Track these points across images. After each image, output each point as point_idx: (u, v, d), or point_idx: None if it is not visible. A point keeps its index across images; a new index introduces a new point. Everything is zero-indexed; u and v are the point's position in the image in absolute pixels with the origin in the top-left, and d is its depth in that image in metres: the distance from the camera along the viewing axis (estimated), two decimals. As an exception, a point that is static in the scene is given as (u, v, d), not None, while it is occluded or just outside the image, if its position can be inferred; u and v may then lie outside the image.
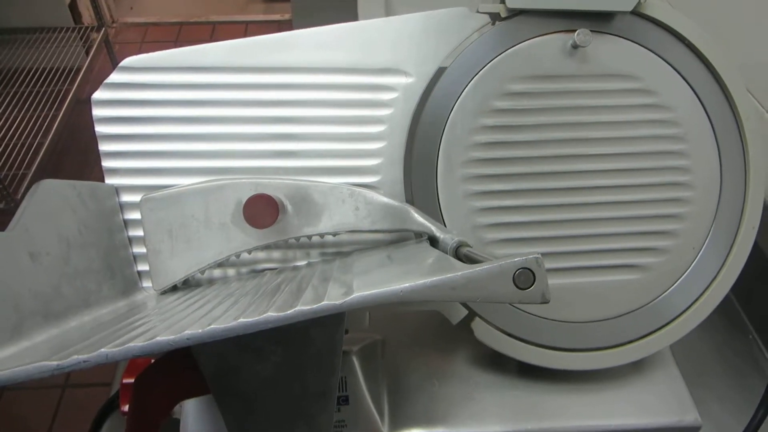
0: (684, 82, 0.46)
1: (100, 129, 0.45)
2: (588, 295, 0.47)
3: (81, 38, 2.38)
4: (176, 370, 0.42)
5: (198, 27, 2.80)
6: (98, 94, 0.45)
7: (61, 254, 0.38)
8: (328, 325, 0.36)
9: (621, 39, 0.46)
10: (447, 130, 0.45)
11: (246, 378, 0.37)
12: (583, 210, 0.47)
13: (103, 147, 0.45)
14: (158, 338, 0.26)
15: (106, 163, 0.45)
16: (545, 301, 0.26)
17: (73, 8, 2.51)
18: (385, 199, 0.43)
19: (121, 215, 0.45)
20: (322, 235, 0.43)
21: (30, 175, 1.78)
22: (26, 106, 2.02)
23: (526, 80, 0.46)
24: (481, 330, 0.47)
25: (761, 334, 0.65)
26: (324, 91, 0.45)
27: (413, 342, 0.52)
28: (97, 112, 0.45)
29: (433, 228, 0.41)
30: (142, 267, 0.45)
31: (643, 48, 0.46)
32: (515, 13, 0.45)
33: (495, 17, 0.46)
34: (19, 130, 1.91)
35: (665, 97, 0.46)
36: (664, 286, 0.48)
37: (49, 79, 2.14)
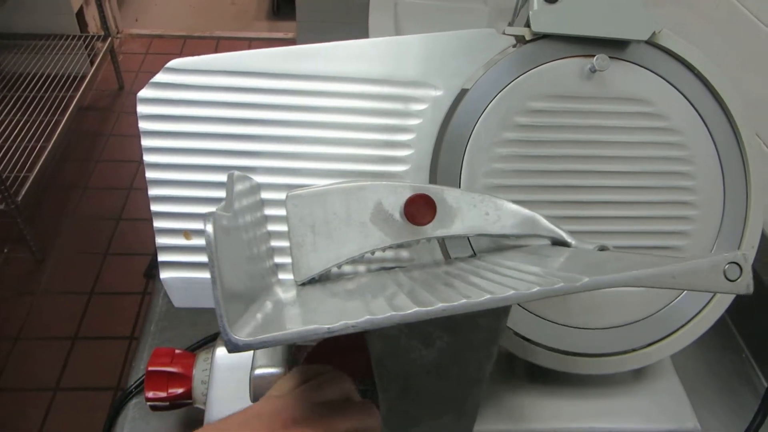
0: (692, 108, 0.50)
1: (143, 125, 0.47)
2: (597, 303, 0.50)
3: (86, 47, 2.41)
4: (342, 350, 0.45)
5: (202, 42, 2.84)
6: (144, 93, 0.47)
7: (246, 239, 0.41)
8: (496, 314, 0.39)
9: (636, 66, 0.49)
10: (471, 142, 0.48)
11: (410, 361, 0.39)
12: (594, 223, 0.50)
13: (146, 142, 0.48)
14: (418, 309, 0.29)
15: (148, 158, 0.48)
16: (749, 292, 0.30)
17: (80, 17, 2.54)
18: (514, 206, 0.45)
19: (263, 210, 0.47)
20: (452, 238, 0.46)
21: (31, 177, 1.79)
22: (30, 110, 2.04)
23: (546, 99, 0.49)
24: (495, 332, 0.49)
25: (754, 353, 0.68)
26: (358, 99, 0.48)
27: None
28: (141, 109, 0.47)
29: (563, 234, 0.44)
30: (279, 260, 0.47)
31: (655, 75, 0.50)
32: (539, 36, 0.49)
33: (520, 39, 0.49)
34: (22, 134, 1.93)
35: (674, 122, 0.50)
36: (668, 298, 0.50)
37: (53, 86, 2.16)
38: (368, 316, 0.29)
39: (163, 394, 0.49)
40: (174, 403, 0.50)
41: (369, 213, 0.43)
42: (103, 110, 2.39)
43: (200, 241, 0.47)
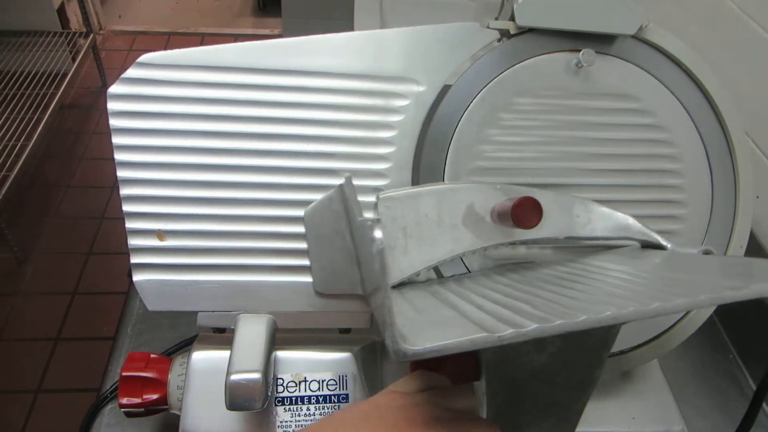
0: (680, 104, 0.49)
1: (114, 122, 0.46)
2: (584, 304, 0.49)
3: (68, 44, 2.37)
4: (450, 356, 0.42)
5: (186, 38, 2.81)
6: (114, 88, 0.46)
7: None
8: None
9: (622, 61, 0.48)
10: (455, 139, 0.47)
11: (521, 366, 0.38)
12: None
13: (117, 140, 0.46)
14: (588, 317, 0.28)
15: (119, 156, 0.46)
16: None
17: (62, 13, 2.50)
18: (606, 209, 0.44)
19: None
20: (542, 241, 0.44)
21: (12, 177, 1.75)
22: (10, 108, 2.00)
23: (531, 95, 0.48)
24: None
25: (741, 354, 0.67)
26: (337, 95, 0.46)
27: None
28: (112, 105, 0.46)
29: (657, 237, 0.43)
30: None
31: (642, 70, 0.48)
32: (524, 30, 0.47)
33: (504, 33, 0.48)
34: (2, 132, 1.89)
35: (661, 118, 0.49)
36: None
37: (34, 83, 2.12)
38: (537, 325, 0.28)
39: (137, 400, 0.48)
40: (149, 409, 0.48)
41: (461, 215, 0.43)
42: (86, 108, 2.36)
43: (174, 243, 0.46)
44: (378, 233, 0.35)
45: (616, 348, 0.49)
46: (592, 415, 0.50)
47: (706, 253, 0.40)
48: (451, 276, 0.47)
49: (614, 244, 0.47)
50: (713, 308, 0.50)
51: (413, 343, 0.27)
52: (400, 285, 0.43)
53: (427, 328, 0.32)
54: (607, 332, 0.38)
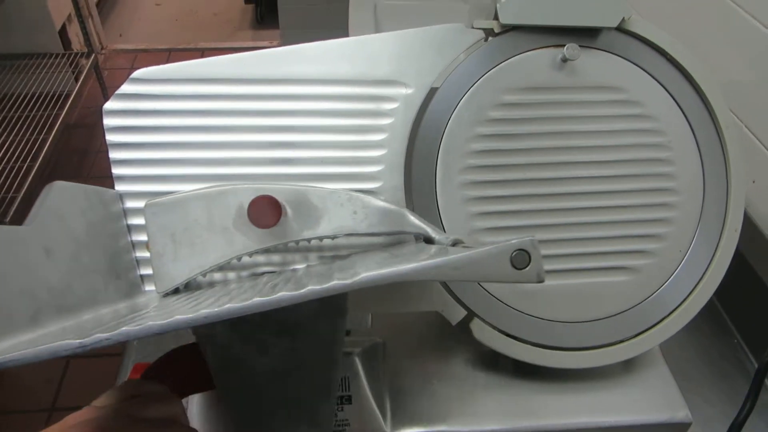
0: (666, 93, 0.49)
1: (110, 138, 0.47)
2: (581, 295, 0.49)
3: (70, 64, 2.40)
4: (182, 364, 0.43)
5: (187, 54, 2.83)
6: (109, 105, 0.46)
7: (72, 252, 0.40)
8: (330, 317, 0.38)
9: (607, 53, 0.49)
10: (445, 139, 0.48)
11: (250, 371, 0.38)
12: (575, 214, 0.49)
13: (114, 155, 0.47)
14: (177, 317, 0.27)
15: (116, 171, 0.47)
16: (540, 280, 0.28)
17: (63, 35, 2.53)
18: (382, 203, 0.44)
19: (125, 220, 0.46)
20: (321, 239, 0.45)
21: (19, 198, 1.78)
22: (15, 130, 2.03)
23: (518, 92, 0.48)
24: (479, 330, 0.48)
25: (745, 338, 0.67)
26: (327, 101, 0.47)
27: (413, 344, 0.53)
28: (108, 121, 0.47)
29: (428, 229, 0.43)
30: (145, 271, 0.46)
31: (627, 62, 0.49)
32: (508, 28, 0.48)
33: (489, 33, 0.48)
34: (8, 154, 1.91)
35: (649, 108, 0.49)
36: (653, 287, 0.50)
37: (38, 105, 2.15)
38: (124, 328, 0.27)
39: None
40: (156, 418, 0.49)
41: (232, 218, 0.42)
42: (90, 127, 2.38)
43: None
44: None
45: (614, 337, 0.50)
46: (594, 405, 0.50)
47: (454, 243, 0.38)
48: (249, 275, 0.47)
49: (403, 240, 0.46)
50: (710, 294, 0.50)
51: None
52: (176, 292, 0.43)
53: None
54: (331, 329, 0.38)
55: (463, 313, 0.48)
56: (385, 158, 0.47)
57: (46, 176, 2.09)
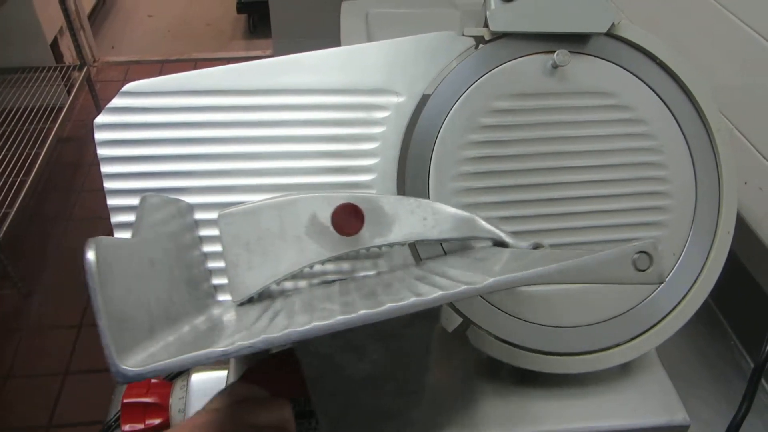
0: (657, 97, 0.49)
1: (102, 152, 0.47)
2: (576, 300, 0.49)
3: (63, 77, 2.40)
4: (278, 370, 0.44)
5: (179, 65, 2.83)
6: (101, 119, 0.46)
7: (168, 263, 0.40)
8: (424, 324, 0.38)
9: (597, 59, 0.49)
10: (437, 146, 0.48)
11: (346, 378, 0.38)
12: (568, 219, 0.49)
13: (105, 169, 0.47)
14: (315, 323, 0.28)
15: (108, 185, 0.47)
16: (661, 281, 0.29)
17: (55, 47, 2.53)
18: (452, 210, 0.44)
19: (197, 231, 0.46)
20: (391, 246, 0.44)
21: (12, 213, 1.77)
22: (8, 144, 2.02)
23: (510, 98, 0.48)
24: (475, 337, 0.48)
25: (742, 339, 0.67)
26: (319, 111, 0.47)
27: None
28: (99, 135, 0.46)
29: (501, 234, 0.43)
30: (217, 281, 0.46)
31: (618, 67, 0.49)
32: (498, 36, 0.48)
33: (479, 40, 0.49)
34: (1, 169, 1.91)
35: (640, 112, 0.49)
36: (649, 290, 0.50)
37: (30, 118, 2.15)
38: (264, 336, 0.28)
39: (140, 426, 0.48)
40: (153, 433, 0.49)
41: (304, 226, 0.42)
42: (83, 140, 2.38)
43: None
44: (90, 254, 0.31)
45: (611, 341, 0.50)
46: (592, 410, 0.50)
47: (536, 247, 0.39)
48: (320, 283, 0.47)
49: (471, 245, 0.46)
50: (705, 296, 0.50)
51: (133, 364, 0.28)
52: (250, 301, 0.43)
53: (177, 348, 0.32)
54: (424, 336, 0.38)
55: (459, 320, 0.48)
56: (378, 166, 0.47)
57: (39, 191, 2.08)
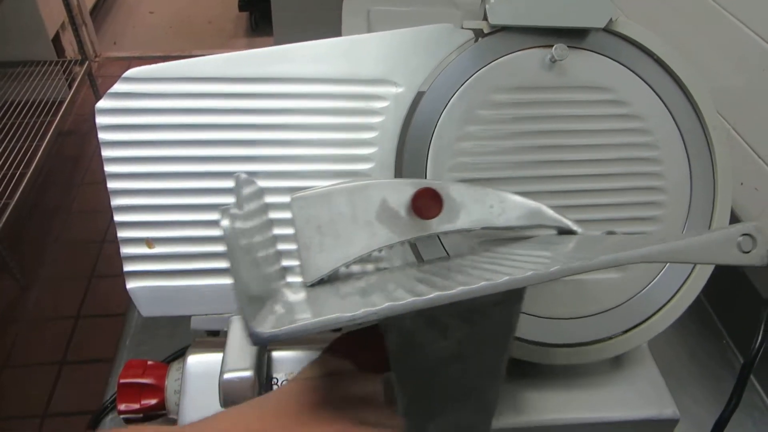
0: (654, 93, 0.50)
1: (103, 136, 0.47)
2: (570, 292, 0.50)
3: (64, 72, 2.40)
4: (361, 346, 0.45)
5: (181, 61, 2.83)
6: (102, 103, 0.47)
7: (263, 242, 0.43)
8: (510, 303, 0.39)
9: (595, 54, 0.50)
10: (435, 137, 0.48)
11: (428, 354, 0.39)
12: (564, 212, 0.49)
13: (106, 153, 0.47)
14: (437, 293, 0.29)
15: (109, 168, 0.47)
16: (764, 263, 0.30)
17: (57, 42, 2.54)
18: (519, 198, 0.45)
19: (269, 214, 0.47)
20: (459, 232, 0.45)
21: (12, 204, 1.78)
22: (9, 137, 2.03)
23: (508, 91, 0.49)
24: (469, 327, 0.49)
25: (734, 338, 0.68)
26: (318, 99, 0.48)
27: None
28: (100, 120, 0.47)
29: (569, 223, 0.44)
30: (286, 263, 0.47)
31: (615, 62, 0.50)
32: (497, 29, 0.49)
33: (478, 33, 0.49)
34: (1, 161, 1.91)
35: (636, 107, 0.50)
36: (642, 284, 0.50)
37: (32, 112, 2.16)
38: (389, 303, 0.29)
39: (136, 406, 0.49)
40: (148, 414, 0.49)
41: (374, 211, 0.44)
42: (83, 134, 2.38)
43: (163, 249, 0.47)
44: (225, 222, 0.34)
45: (603, 334, 0.50)
46: (583, 401, 0.50)
47: (610, 233, 0.41)
48: (373, 271, 0.48)
49: (534, 234, 0.47)
50: (698, 291, 0.50)
51: (267, 327, 0.29)
52: (321, 282, 0.44)
53: (297, 314, 0.33)
54: (509, 315, 0.39)
55: (453, 309, 0.48)
56: (376, 156, 0.48)
57: (39, 183, 2.09)
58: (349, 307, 0.30)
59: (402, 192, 0.43)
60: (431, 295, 0.29)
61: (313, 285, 0.44)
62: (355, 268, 0.47)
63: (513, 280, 0.30)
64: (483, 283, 0.30)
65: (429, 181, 0.44)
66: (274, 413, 0.38)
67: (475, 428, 0.42)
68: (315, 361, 0.43)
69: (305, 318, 0.30)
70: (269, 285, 0.42)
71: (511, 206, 0.45)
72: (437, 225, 0.44)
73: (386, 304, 0.29)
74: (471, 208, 0.44)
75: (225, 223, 0.36)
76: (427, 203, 0.42)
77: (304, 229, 0.43)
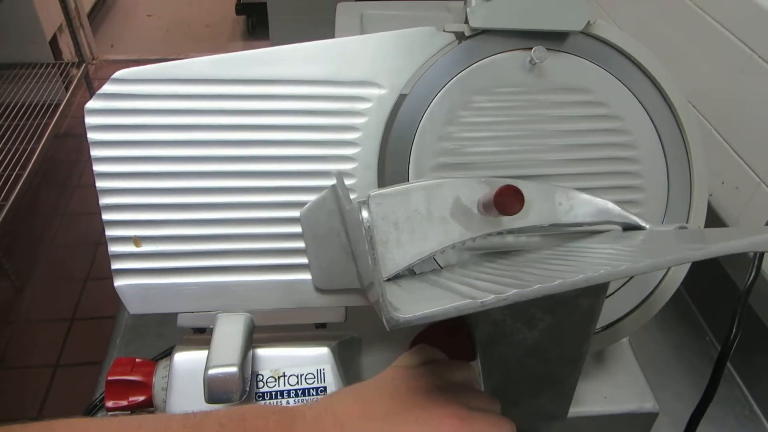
0: (631, 94, 0.51)
1: (92, 136, 0.48)
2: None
3: (61, 74, 2.41)
4: (443, 337, 0.47)
5: (177, 64, 2.84)
6: (91, 104, 0.48)
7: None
8: (595, 294, 0.41)
9: (573, 56, 0.51)
10: (417, 138, 0.49)
11: (514, 344, 0.41)
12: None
13: (95, 152, 0.48)
14: (561, 281, 0.31)
15: (97, 168, 0.48)
16: None
17: (54, 45, 2.55)
18: (586, 195, 0.47)
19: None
20: (530, 228, 0.47)
21: (7, 206, 1.78)
22: (5, 139, 2.04)
23: (488, 93, 0.50)
24: (451, 323, 0.50)
25: (717, 335, 0.69)
26: (303, 101, 0.49)
27: (388, 336, 0.54)
28: (89, 120, 0.48)
29: (636, 219, 0.46)
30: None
31: (593, 64, 0.51)
32: (478, 32, 0.50)
33: (460, 36, 0.50)
34: (-3, 163, 1.92)
35: (614, 108, 0.51)
36: (621, 280, 0.51)
37: (28, 114, 2.16)
38: (516, 290, 0.30)
39: (123, 403, 0.49)
40: (135, 411, 0.50)
41: (449, 208, 0.45)
42: (80, 137, 2.39)
43: (150, 248, 0.48)
44: (365, 213, 0.37)
45: (584, 331, 0.51)
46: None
47: (681, 228, 0.43)
48: (443, 267, 0.49)
49: (597, 230, 0.49)
50: (676, 286, 0.51)
51: (404, 312, 0.30)
52: (396, 278, 0.45)
53: (417, 301, 0.35)
54: (592, 306, 0.41)
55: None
56: (359, 156, 0.49)
57: (35, 185, 2.09)
58: (459, 297, 0.32)
59: (474, 190, 0.45)
60: (555, 283, 0.30)
61: (389, 279, 0.45)
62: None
63: (631, 268, 0.32)
64: (602, 271, 0.31)
65: (496, 179, 0.45)
66: (391, 396, 0.41)
67: (554, 414, 0.44)
68: (412, 351, 0.45)
69: (439, 304, 0.31)
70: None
71: (578, 203, 0.46)
72: (509, 222, 0.45)
73: (513, 290, 0.30)
74: (540, 205, 0.46)
75: (366, 213, 0.39)
76: (509, 200, 0.43)
77: (381, 224, 0.44)
